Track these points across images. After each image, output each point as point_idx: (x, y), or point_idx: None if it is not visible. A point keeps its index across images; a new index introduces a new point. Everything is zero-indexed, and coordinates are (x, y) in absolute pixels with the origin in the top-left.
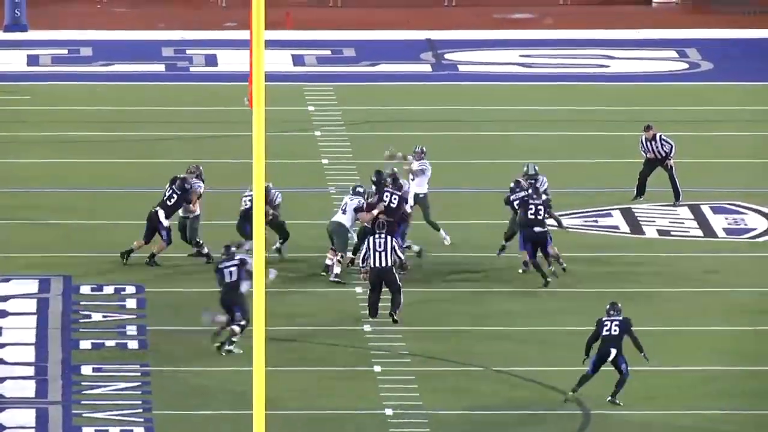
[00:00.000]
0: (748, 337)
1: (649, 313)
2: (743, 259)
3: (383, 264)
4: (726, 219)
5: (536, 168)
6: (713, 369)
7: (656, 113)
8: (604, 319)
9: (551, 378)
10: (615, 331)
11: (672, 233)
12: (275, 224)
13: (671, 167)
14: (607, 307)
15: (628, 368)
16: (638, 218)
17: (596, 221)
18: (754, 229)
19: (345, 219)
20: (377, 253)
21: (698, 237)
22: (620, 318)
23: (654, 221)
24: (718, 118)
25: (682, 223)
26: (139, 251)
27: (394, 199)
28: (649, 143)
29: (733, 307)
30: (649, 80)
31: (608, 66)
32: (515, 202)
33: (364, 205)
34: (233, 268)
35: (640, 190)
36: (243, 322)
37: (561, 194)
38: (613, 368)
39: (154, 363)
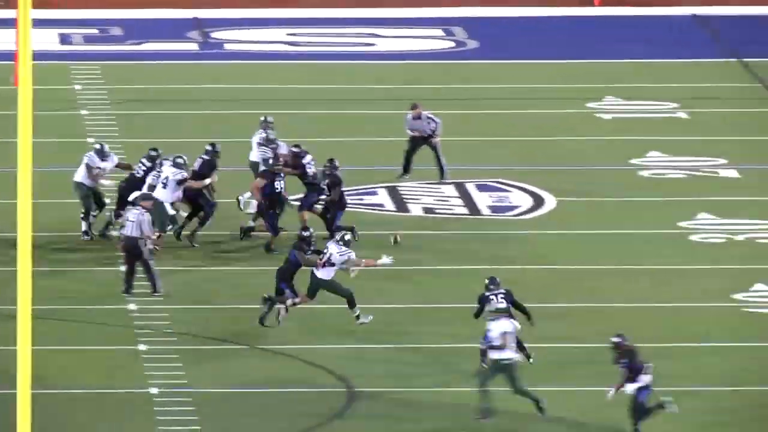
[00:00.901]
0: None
1: (410, 291)
2: (508, 237)
3: (130, 234)
4: (491, 197)
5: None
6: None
7: (422, 91)
8: (487, 294)
9: (317, 356)
10: (502, 303)
11: (437, 211)
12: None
13: (436, 145)
14: (487, 282)
15: None
16: (403, 196)
17: (362, 199)
18: (519, 207)
19: (164, 194)
20: (129, 224)
21: (463, 215)
22: (503, 290)
23: (419, 199)
24: (483, 96)
25: (448, 200)
26: None
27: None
28: (415, 121)
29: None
30: (416, 58)
31: (374, 44)
32: None
33: (187, 178)
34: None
35: (406, 168)
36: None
37: None
38: None
39: None
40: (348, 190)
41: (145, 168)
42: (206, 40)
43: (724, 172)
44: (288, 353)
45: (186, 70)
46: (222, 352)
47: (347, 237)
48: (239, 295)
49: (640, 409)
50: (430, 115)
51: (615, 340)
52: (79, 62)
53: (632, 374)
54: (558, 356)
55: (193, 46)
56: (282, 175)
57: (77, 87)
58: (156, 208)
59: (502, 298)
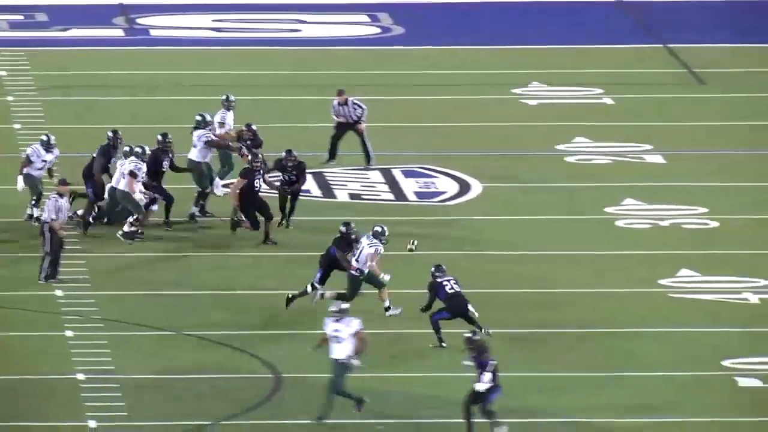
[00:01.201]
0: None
1: (339, 277)
2: (434, 222)
3: (45, 219)
4: (417, 182)
5: None
6: (407, 332)
7: (348, 77)
8: (440, 281)
9: (244, 343)
10: (456, 288)
11: (363, 197)
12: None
13: (363, 131)
14: (433, 269)
15: None
16: (330, 182)
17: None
18: (445, 192)
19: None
20: (45, 209)
21: (389, 200)
22: (450, 277)
23: (346, 185)
24: (409, 83)
25: (374, 186)
26: None
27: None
28: (341, 107)
29: (425, 269)
30: (341, 44)
31: (300, 30)
32: None
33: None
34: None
35: (332, 154)
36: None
37: None
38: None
39: None
40: (276, 176)
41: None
42: (132, 26)
43: (649, 158)
44: (215, 340)
45: (112, 56)
46: (149, 339)
47: (377, 228)
48: (167, 282)
49: (487, 412)
50: (356, 101)
51: (467, 335)
52: (5, 48)
53: (479, 370)
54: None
55: (118, 33)
56: (261, 173)
57: (2, 73)
58: (124, 198)
59: (454, 283)
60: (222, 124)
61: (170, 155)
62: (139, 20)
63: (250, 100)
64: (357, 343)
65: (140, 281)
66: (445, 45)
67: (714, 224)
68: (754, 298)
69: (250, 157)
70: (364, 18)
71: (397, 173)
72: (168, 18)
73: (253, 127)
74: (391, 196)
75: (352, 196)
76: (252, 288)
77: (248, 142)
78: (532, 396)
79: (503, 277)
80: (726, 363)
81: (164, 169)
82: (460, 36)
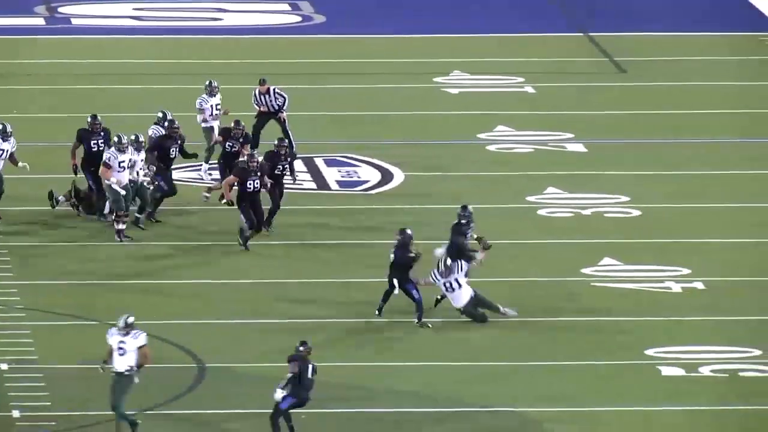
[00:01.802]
0: (358, 288)
1: (262, 266)
2: (356, 211)
3: None
4: (339, 171)
5: None
6: (324, 321)
7: (270, 66)
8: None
9: (167, 333)
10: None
11: (285, 186)
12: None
13: (284, 120)
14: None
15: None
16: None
17: (210, 174)
18: (367, 181)
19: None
20: None
21: (312, 189)
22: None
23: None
24: (331, 71)
25: (296, 175)
26: None
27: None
28: (262, 96)
29: (349, 258)
30: (263, 33)
31: (221, 19)
32: None
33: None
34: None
35: (254, 144)
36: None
37: None
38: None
39: None
40: (195, 166)
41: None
42: (53, 15)
43: (571, 147)
44: (138, 329)
45: (33, 45)
46: (72, 328)
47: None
48: (89, 271)
49: (281, 415)
50: (278, 90)
51: (299, 346)
52: None
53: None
54: (411, 331)
55: (39, 21)
56: (258, 174)
57: None
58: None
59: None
60: (201, 111)
61: (178, 141)
62: (60, 9)
63: (170, 88)
64: (140, 357)
65: (62, 270)
66: (366, 34)
67: (636, 213)
68: (676, 287)
69: (245, 157)
70: (285, 7)
71: (319, 162)
72: (89, 7)
73: (242, 124)
74: (313, 185)
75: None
76: (175, 278)
77: (241, 140)
78: (447, 386)
79: (425, 266)
80: (649, 352)
81: (173, 156)
82: (382, 25)
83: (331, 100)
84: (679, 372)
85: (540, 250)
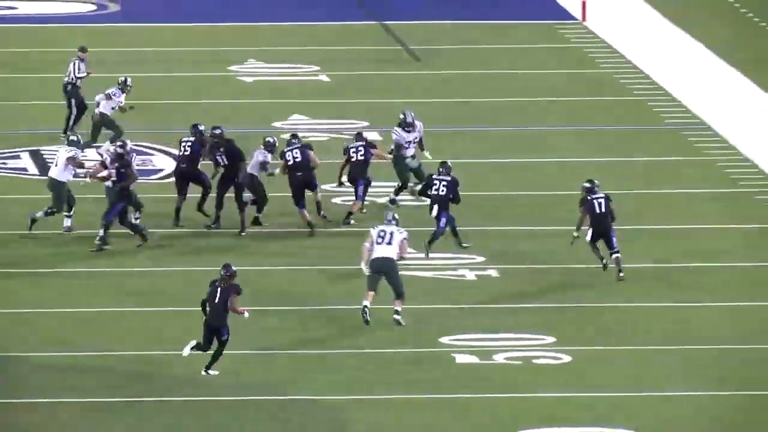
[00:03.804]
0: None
1: (91, 258)
2: (151, 200)
3: None
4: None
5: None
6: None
7: (66, 55)
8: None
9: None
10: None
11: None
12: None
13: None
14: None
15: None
16: (47, 160)
17: (5, 163)
18: (162, 170)
19: (57, 173)
20: None
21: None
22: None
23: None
24: (126, 60)
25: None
26: None
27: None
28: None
29: (187, 249)
30: (58, 22)
31: (16, 8)
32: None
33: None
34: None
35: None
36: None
37: None
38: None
39: None
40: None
41: None
42: None
43: (366, 135)
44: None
45: None
46: None
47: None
48: None
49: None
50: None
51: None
52: None
53: None
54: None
55: None
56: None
57: None
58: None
59: (444, 186)
60: (108, 97)
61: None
62: None
63: None
64: None
65: None
66: (161, 22)
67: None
68: (470, 275)
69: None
70: None
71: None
72: None
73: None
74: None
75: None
76: (55, 265)
77: (221, 149)
78: (258, 372)
79: (245, 255)
80: (444, 340)
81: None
82: (176, 13)
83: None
84: (474, 360)
85: (334, 236)
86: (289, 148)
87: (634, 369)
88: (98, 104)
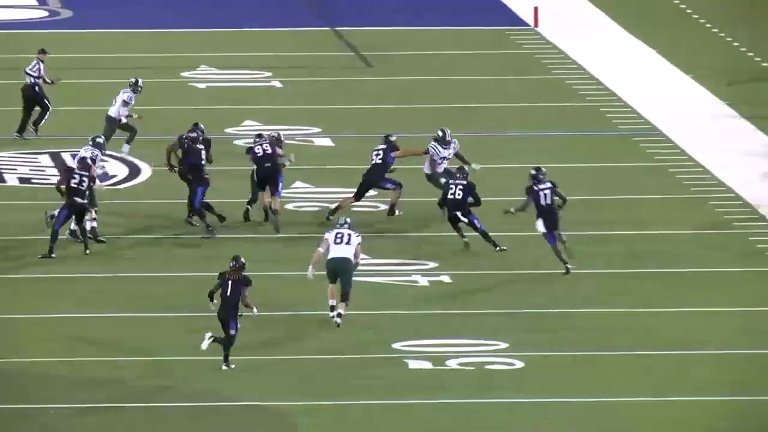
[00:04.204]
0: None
1: None
2: (104, 206)
3: None
4: None
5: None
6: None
7: (19, 61)
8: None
9: None
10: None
11: (33, 180)
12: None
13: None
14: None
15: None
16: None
17: None
18: (116, 176)
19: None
20: None
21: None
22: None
23: (15, 169)
24: (79, 66)
25: (44, 170)
26: None
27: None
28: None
29: (134, 254)
30: (10, 28)
31: None
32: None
33: (97, 157)
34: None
35: (20, 130)
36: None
37: None
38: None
39: None
40: None
41: None
42: None
43: (318, 141)
44: None
45: None
46: None
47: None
48: None
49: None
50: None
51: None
52: None
53: None
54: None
55: None
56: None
57: None
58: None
59: (460, 190)
60: (126, 103)
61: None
62: None
63: None
64: None
65: None
66: (113, 28)
67: (383, 207)
68: (423, 281)
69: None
70: (32, 1)
71: (66, 157)
72: None
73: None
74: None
75: (22, 180)
76: None
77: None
78: (207, 378)
79: (183, 260)
80: (396, 345)
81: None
82: (129, 19)
83: (79, 94)
84: (427, 365)
85: (286, 243)
86: (257, 143)
87: (586, 375)
88: (119, 113)
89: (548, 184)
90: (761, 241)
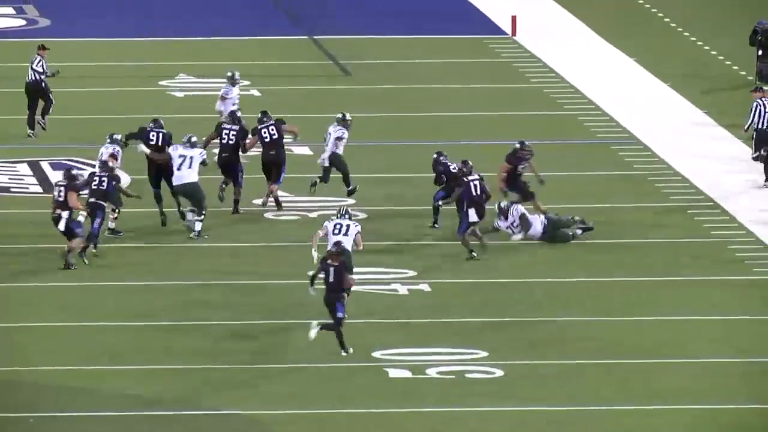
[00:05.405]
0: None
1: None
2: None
3: None
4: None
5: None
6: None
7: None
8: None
9: None
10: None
11: (12, 189)
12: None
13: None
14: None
15: None
16: None
17: None
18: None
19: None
20: None
21: (38, 193)
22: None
23: None
24: (57, 74)
25: (22, 179)
26: None
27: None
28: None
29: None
30: None
31: None
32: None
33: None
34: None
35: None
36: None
37: None
38: None
39: None
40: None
41: None
42: None
43: (297, 149)
44: None
45: None
46: None
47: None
48: None
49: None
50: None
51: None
52: None
53: None
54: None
55: None
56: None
57: None
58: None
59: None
60: (224, 98)
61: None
62: None
63: None
64: None
65: None
66: (92, 37)
67: (362, 215)
68: (402, 289)
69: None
70: (10, 10)
71: (45, 165)
72: None
73: None
74: (39, 189)
75: (1, 189)
76: None
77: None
78: (190, 387)
79: (158, 266)
80: (376, 354)
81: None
82: (108, 28)
83: (57, 102)
84: (406, 374)
85: (268, 252)
86: (263, 125)
87: (566, 383)
88: (222, 109)
89: (477, 176)
90: (739, 249)
